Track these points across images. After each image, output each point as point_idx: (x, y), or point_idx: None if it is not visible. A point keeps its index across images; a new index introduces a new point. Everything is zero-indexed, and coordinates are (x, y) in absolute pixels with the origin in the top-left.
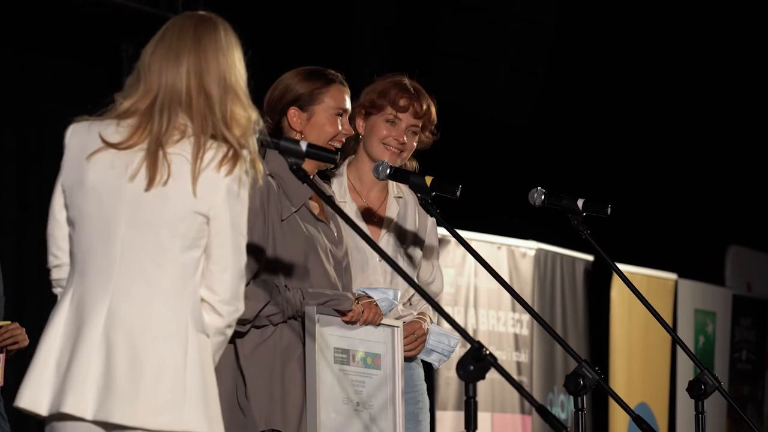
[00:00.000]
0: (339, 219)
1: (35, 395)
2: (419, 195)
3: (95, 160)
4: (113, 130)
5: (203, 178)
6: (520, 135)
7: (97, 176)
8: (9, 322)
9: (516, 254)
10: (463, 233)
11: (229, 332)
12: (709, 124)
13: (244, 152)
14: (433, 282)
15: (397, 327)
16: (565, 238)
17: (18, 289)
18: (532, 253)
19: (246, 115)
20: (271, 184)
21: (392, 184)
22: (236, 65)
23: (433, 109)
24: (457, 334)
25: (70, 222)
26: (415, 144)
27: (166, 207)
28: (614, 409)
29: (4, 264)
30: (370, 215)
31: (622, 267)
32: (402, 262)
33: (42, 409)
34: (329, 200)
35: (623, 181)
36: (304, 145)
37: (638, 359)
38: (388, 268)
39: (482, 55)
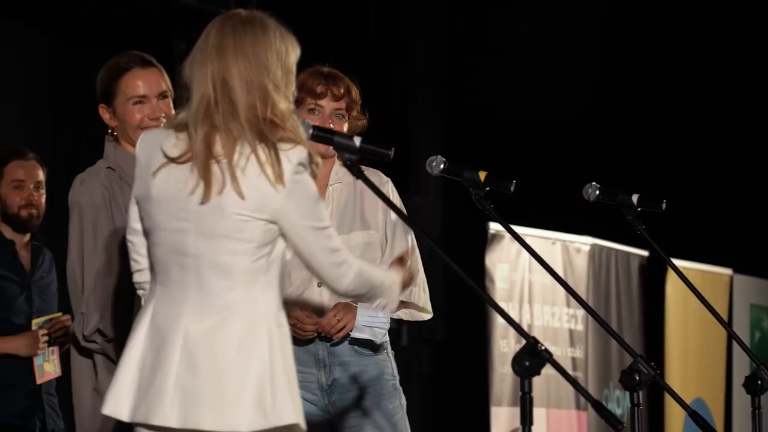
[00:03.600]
0: None
1: (117, 402)
2: (473, 190)
3: (160, 175)
4: (173, 143)
5: (252, 182)
6: (574, 130)
7: (162, 191)
8: (61, 314)
9: (570, 250)
10: (517, 229)
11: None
12: (766, 118)
13: (288, 146)
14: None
15: None
16: (620, 234)
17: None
18: (587, 248)
19: (286, 108)
20: (111, 175)
21: (335, 171)
22: (267, 61)
23: (355, 90)
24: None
25: (146, 232)
26: (345, 128)
27: (225, 217)
28: (670, 404)
29: (59, 263)
30: None
31: (677, 262)
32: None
33: (123, 415)
34: (380, 194)
35: (678, 175)
36: (357, 141)
37: (694, 355)
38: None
39: (531, 52)
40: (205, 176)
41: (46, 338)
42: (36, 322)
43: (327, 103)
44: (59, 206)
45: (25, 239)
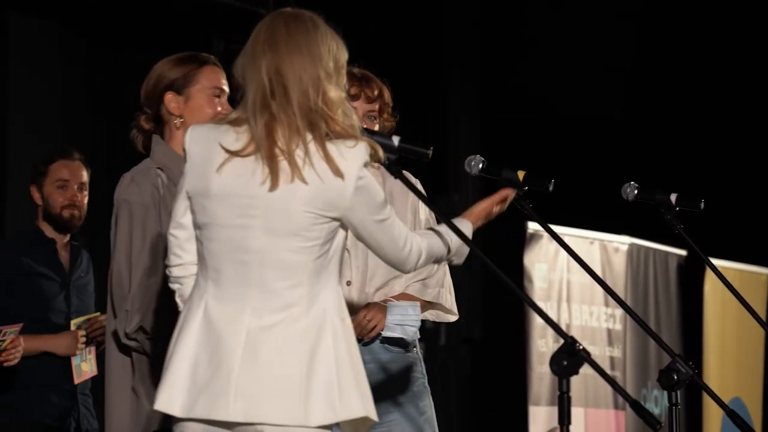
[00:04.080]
0: None
1: (170, 398)
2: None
3: (224, 171)
4: (233, 137)
5: (319, 179)
6: (612, 129)
7: (226, 186)
8: (98, 314)
9: (609, 249)
10: (555, 228)
11: (426, 260)
12: None
13: (351, 143)
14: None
15: None
16: (658, 233)
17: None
18: (625, 248)
19: (337, 97)
20: (161, 175)
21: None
22: (320, 53)
23: (387, 92)
24: (414, 303)
25: (198, 227)
26: (376, 129)
27: (293, 214)
28: (708, 404)
29: (96, 264)
30: None
31: (716, 262)
32: (369, 251)
33: (176, 410)
34: (420, 195)
35: (716, 175)
36: (396, 140)
37: (732, 354)
38: (353, 261)
39: (571, 50)
40: (271, 166)
41: (84, 339)
42: (75, 323)
43: (360, 105)
44: (97, 207)
45: (65, 239)
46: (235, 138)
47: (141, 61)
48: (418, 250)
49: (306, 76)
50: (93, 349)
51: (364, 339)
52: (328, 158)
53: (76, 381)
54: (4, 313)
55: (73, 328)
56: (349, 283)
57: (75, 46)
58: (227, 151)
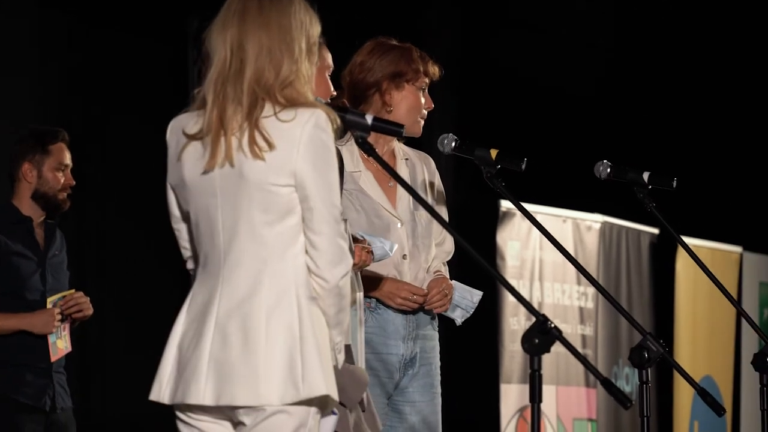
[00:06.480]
0: None
1: (160, 387)
2: (484, 168)
3: (185, 157)
4: (194, 121)
5: (269, 147)
6: (585, 107)
7: (190, 172)
8: (73, 291)
9: (581, 227)
10: (528, 206)
11: (345, 289)
12: None
13: (306, 110)
14: (444, 242)
15: None
16: (631, 211)
17: (81, 261)
18: (598, 226)
19: (308, 74)
20: None
21: (398, 148)
22: (291, 28)
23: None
24: (478, 291)
25: (185, 218)
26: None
27: (247, 186)
28: (679, 382)
29: (66, 237)
30: (384, 182)
31: (688, 240)
32: (419, 225)
33: (165, 398)
34: (393, 173)
35: (688, 153)
36: (369, 118)
37: (703, 332)
38: (410, 234)
39: (550, 26)
40: (214, 146)
41: (59, 316)
42: (51, 300)
43: (426, 84)
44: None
45: (41, 218)
46: (195, 121)
47: (115, 40)
48: (350, 265)
49: (266, 52)
50: (67, 326)
51: (434, 312)
52: (269, 130)
53: (53, 358)
54: None
55: (48, 305)
56: (405, 257)
57: (50, 24)
58: (186, 135)
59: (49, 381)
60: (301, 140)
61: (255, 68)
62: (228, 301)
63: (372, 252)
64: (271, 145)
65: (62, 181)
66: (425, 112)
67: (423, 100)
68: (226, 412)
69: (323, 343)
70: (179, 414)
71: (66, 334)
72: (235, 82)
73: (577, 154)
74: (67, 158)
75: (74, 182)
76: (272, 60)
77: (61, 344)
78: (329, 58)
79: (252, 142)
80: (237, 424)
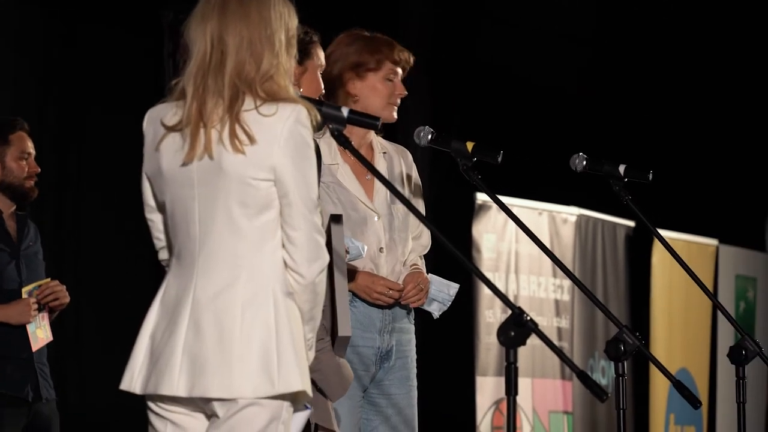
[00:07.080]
0: None
1: (131, 377)
2: (460, 160)
3: (163, 147)
4: (173, 112)
5: (249, 141)
6: (561, 100)
7: (167, 162)
8: (49, 279)
9: (557, 220)
10: (504, 199)
11: (320, 286)
12: (751, 90)
13: (288, 105)
14: (421, 236)
15: None
16: (607, 204)
17: (58, 252)
18: (573, 218)
19: (287, 67)
20: None
21: (376, 141)
22: (271, 20)
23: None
24: (455, 284)
25: (161, 208)
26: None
27: (226, 179)
28: (655, 374)
29: (43, 228)
30: (362, 174)
31: (663, 233)
32: (396, 218)
33: (137, 388)
34: (370, 166)
35: (664, 146)
36: (345, 111)
37: (679, 325)
38: (387, 228)
39: (530, 21)
40: (193, 138)
41: (36, 305)
42: (26, 290)
43: (398, 72)
44: (44, 177)
45: (11, 209)
46: (174, 112)
47: (89, 32)
48: (326, 263)
49: (247, 45)
50: (46, 315)
51: (410, 307)
52: (249, 124)
53: (34, 348)
54: None
55: (24, 295)
56: (381, 250)
57: (27, 17)
58: (164, 126)
59: (31, 371)
60: (281, 135)
61: (236, 61)
62: (203, 293)
63: (348, 251)
64: (252, 139)
65: (27, 169)
66: (398, 100)
67: (394, 88)
68: (199, 404)
69: (298, 338)
70: (151, 405)
71: (45, 323)
72: (216, 75)
73: (553, 147)
74: (30, 146)
75: (39, 169)
76: (253, 53)
77: (41, 334)
78: (323, 57)
79: (233, 135)
80: (210, 416)
